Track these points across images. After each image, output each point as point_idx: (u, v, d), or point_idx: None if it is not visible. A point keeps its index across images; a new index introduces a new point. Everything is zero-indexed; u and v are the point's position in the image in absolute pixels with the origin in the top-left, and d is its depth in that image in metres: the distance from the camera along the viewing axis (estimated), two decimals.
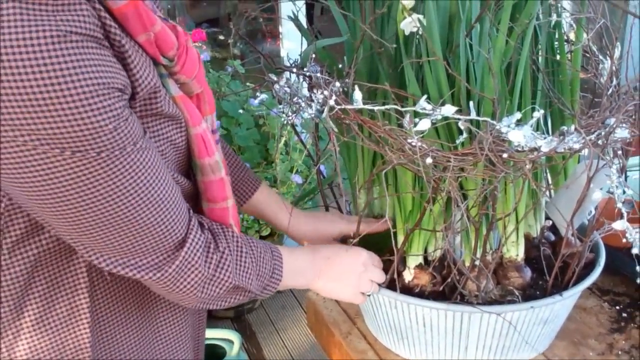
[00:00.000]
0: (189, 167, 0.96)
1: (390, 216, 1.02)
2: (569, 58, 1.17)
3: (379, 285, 1.13)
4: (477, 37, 1.00)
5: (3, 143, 0.70)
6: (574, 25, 1.15)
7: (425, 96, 0.89)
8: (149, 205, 0.80)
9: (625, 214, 0.95)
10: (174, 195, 0.85)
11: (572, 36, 1.17)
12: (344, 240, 1.24)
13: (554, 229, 1.24)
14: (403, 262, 1.16)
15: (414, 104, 0.90)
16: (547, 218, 1.22)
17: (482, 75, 0.99)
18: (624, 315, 1.32)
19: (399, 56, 1.06)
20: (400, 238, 1.14)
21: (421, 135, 0.90)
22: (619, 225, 0.97)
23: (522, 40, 0.99)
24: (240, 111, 2.82)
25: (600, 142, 0.94)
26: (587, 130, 0.91)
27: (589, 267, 1.16)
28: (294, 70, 1.15)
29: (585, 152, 0.97)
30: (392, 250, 1.13)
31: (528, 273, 1.15)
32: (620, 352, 1.21)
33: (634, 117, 0.98)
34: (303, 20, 1.23)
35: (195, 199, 0.99)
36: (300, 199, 1.83)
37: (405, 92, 0.99)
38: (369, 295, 1.14)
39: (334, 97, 0.95)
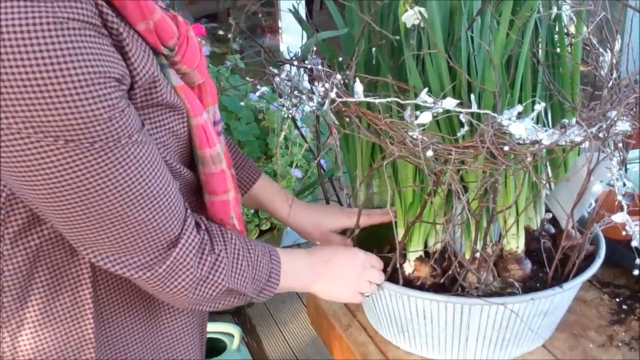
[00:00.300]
0: (191, 159, 0.95)
1: (390, 209, 1.02)
2: (569, 51, 1.17)
3: (378, 285, 1.14)
4: (478, 30, 1.00)
5: None
6: (574, 18, 1.15)
7: (426, 89, 0.89)
8: (141, 201, 0.79)
9: (625, 207, 0.96)
10: (169, 192, 0.83)
11: (572, 29, 1.17)
12: (344, 232, 1.24)
13: (554, 221, 1.24)
14: (403, 254, 1.16)
15: (415, 97, 0.90)
16: (548, 210, 1.22)
17: (483, 68, 1.00)
18: (624, 307, 1.33)
19: (399, 49, 1.06)
20: (401, 231, 1.15)
21: (422, 128, 0.90)
22: (619, 217, 0.97)
23: (523, 33, 1.00)
24: (242, 104, 2.82)
25: (601, 134, 0.94)
26: (588, 123, 0.92)
27: (589, 259, 1.16)
28: (295, 63, 1.15)
29: (586, 144, 0.97)
30: (393, 243, 1.13)
31: (528, 265, 1.15)
32: (620, 344, 1.22)
33: (634, 109, 0.98)
34: (303, 14, 1.23)
35: (199, 191, 0.99)
36: (300, 192, 1.83)
37: (407, 84, 1.00)
38: (367, 296, 1.15)
39: (335, 90, 0.95)
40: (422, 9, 0.95)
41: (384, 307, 1.18)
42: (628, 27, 1.08)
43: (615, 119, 0.94)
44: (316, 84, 1.01)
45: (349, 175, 1.28)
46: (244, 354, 2.43)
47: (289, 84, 1.11)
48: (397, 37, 1.01)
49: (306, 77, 1.10)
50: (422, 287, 1.13)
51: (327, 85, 0.96)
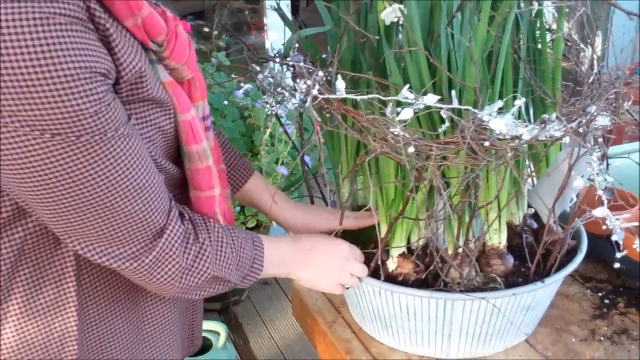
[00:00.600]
0: (178, 154, 0.96)
1: (373, 206, 1.03)
2: (551, 47, 1.18)
3: (359, 279, 1.14)
4: (458, 26, 1.01)
5: None
6: (556, 14, 1.15)
7: (407, 85, 0.89)
8: (127, 193, 0.80)
9: (605, 201, 0.96)
10: (154, 184, 0.84)
11: (554, 25, 1.18)
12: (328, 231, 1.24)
13: (536, 216, 1.25)
14: (386, 251, 1.16)
15: (397, 93, 0.90)
16: (530, 206, 1.23)
17: (463, 64, 1.00)
18: (606, 301, 1.34)
19: (380, 46, 1.07)
20: (384, 227, 1.15)
21: (403, 125, 0.90)
22: (599, 212, 0.97)
23: (504, 29, 1.00)
24: (225, 103, 2.82)
25: (581, 129, 0.95)
26: (568, 118, 0.92)
27: (571, 254, 1.17)
28: (277, 60, 1.15)
29: (567, 140, 0.98)
30: (377, 240, 1.14)
31: (510, 260, 1.15)
32: (602, 338, 1.22)
33: (614, 104, 0.99)
34: (286, 11, 1.23)
35: (184, 186, 0.99)
36: (285, 189, 1.83)
37: (388, 81, 1.00)
38: (347, 288, 1.15)
39: (317, 87, 0.95)
40: (402, 6, 0.95)
41: (367, 303, 1.19)
42: (609, 22, 1.08)
43: (595, 114, 0.94)
44: (298, 80, 1.01)
45: (333, 171, 1.28)
46: (230, 352, 2.43)
47: (272, 81, 1.11)
48: (377, 37, 1.01)
49: (289, 74, 1.10)
50: (405, 283, 1.13)
51: (309, 82, 0.96)
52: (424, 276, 1.14)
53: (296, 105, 1.04)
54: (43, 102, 0.69)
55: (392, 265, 1.15)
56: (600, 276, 1.43)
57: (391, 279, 1.14)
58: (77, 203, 0.78)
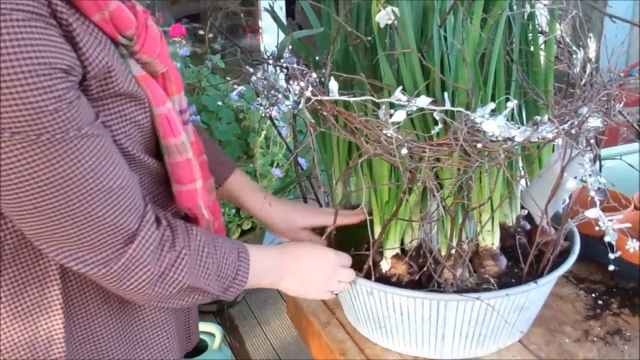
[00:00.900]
0: (157, 148, 0.94)
1: (366, 207, 1.03)
2: (543, 49, 1.18)
3: (351, 282, 1.14)
4: (451, 28, 1.01)
5: None
6: (548, 16, 1.16)
7: (400, 87, 0.90)
8: (93, 195, 0.78)
9: (598, 202, 0.97)
10: (125, 187, 0.82)
11: (546, 28, 1.18)
12: (321, 232, 1.24)
13: (529, 218, 1.25)
14: (380, 252, 1.16)
15: (390, 95, 0.90)
16: (523, 207, 1.24)
17: (456, 66, 1.00)
18: (600, 302, 1.34)
19: (374, 48, 1.07)
20: (377, 228, 1.15)
21: (397, 126, 0.91)
22: (592, 213, 0.98)
23: (496, 31, 1.00)
24: (220, 103, 2.82)
25: (573, 131, 0.95)
26: (561, 119, 0.93)
27: (564, 255, 1.18)
28: (271, 62, 1.15)
29: (560, 141, 0.98)
30: (370, 241, 1.14)
31: (503, 261, 1.16)
32: (595, 339, 1.23)
33: (606, 106, 1.00)
34: (280, 13, 1.23)
35: (168, 181, 0.97)
36: (278, 190, 1.83)
37: (381, 83, 1.00)
38: (336, 294, 1.15)
39: (310, 88, 0.96)
40: (395, 9, 0.95)
41: (361, 304, 1.19)
42: (602, 25, 1.09)
43: (587, 115, 0.95)
44: (292, 82, 1.02)
45: (327, 173, 1.29)
46: (225, 354, 2.42)
47: (265, 83, 1.11)
48: (369, 38, 1.01)
49: (282, 76, 1.11)
50: (399, 284, 1.13)
51: (302, 83, 0.97)
52: (417, 277, 1.14)
53: (290, 107, 1.04)
54: (1, 99, 0.67)
55: (385, 266, 1.16)
56: (593, 277, 1.44)
57: (385, 279, 1.14)
58: (41, 205, 0.75)
